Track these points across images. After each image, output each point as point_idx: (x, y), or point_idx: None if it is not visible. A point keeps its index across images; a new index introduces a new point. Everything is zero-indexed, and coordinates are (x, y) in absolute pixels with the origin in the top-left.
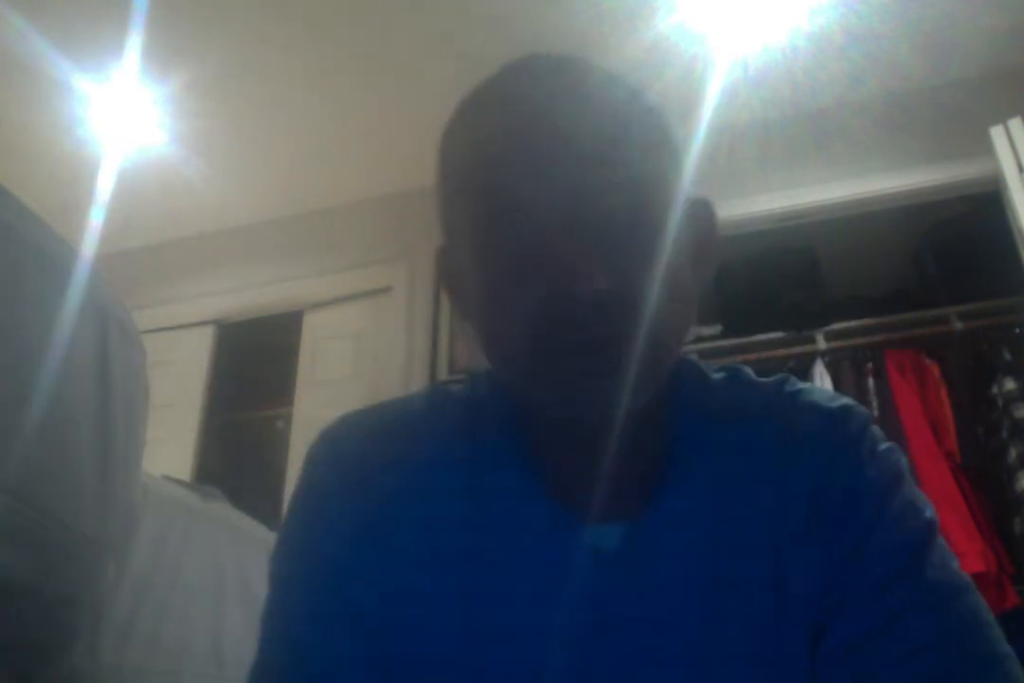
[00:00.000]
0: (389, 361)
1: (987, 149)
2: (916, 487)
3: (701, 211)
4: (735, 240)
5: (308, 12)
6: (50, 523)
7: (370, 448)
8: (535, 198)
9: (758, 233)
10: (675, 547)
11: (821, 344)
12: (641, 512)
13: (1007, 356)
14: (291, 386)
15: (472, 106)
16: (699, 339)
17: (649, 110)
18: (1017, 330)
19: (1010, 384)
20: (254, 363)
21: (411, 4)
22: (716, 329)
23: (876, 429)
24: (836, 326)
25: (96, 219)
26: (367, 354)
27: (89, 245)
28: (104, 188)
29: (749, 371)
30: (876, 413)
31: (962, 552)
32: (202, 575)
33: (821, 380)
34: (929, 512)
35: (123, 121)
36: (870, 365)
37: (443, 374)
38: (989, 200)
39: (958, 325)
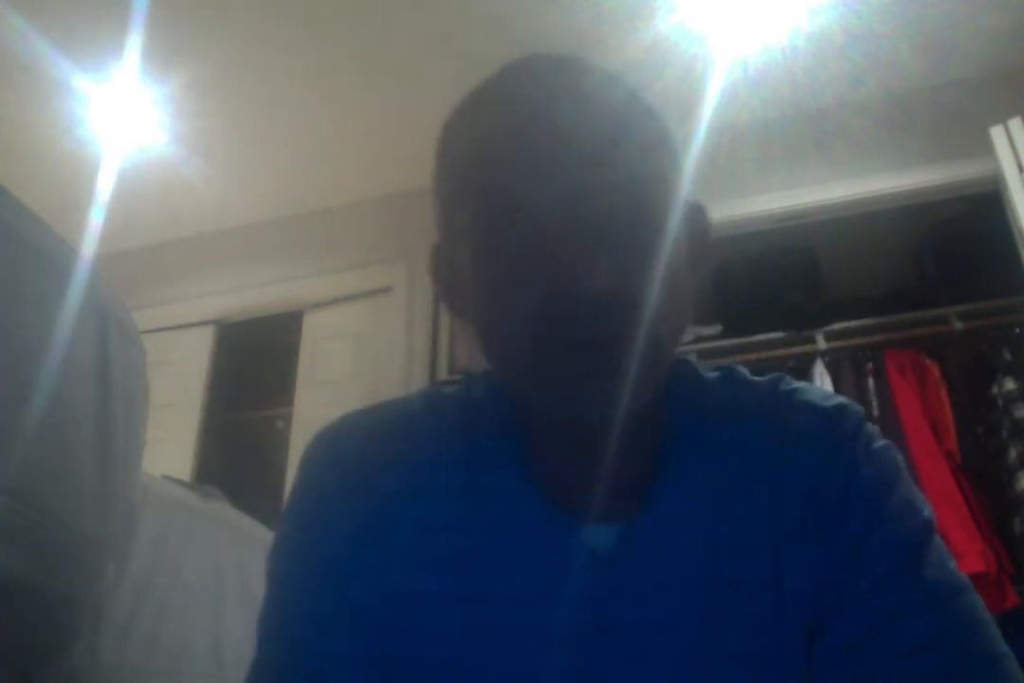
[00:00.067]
0: (389, 361)
1: (987, 149)
2: (913, 486)
3: (696, 214)
4: (735, 240)
5: (308, 12)
6: (50, 523)
7: (367, 448)
8: (535, 198)
9: (758, 233)
10: (671, 547)
11: (821, 344)
12: (636, 512)
13: (1007, 356)
14: (291, 386)
15: (472, 106)
16: (699, 339)
17: (649, 110)
18: (1017, 330)
19: (1010, 384)
20: (254, 363)
21: (411, 4)
22: (716, 329)
23: (872, 427)
24: (836, 326)
25: (96, 219)
26: (367, 354)
27: (89, 245)
28: (104, 188)
29: (744, 370)
30: (876, 413)
31: (962, 552)
32: (202, 575)
33: (821, 380)
34: (927, 511)
35: (123, 121)
36: (870, 365)
37: (443, 374)
38: (989, 200)
39: (958, 325)
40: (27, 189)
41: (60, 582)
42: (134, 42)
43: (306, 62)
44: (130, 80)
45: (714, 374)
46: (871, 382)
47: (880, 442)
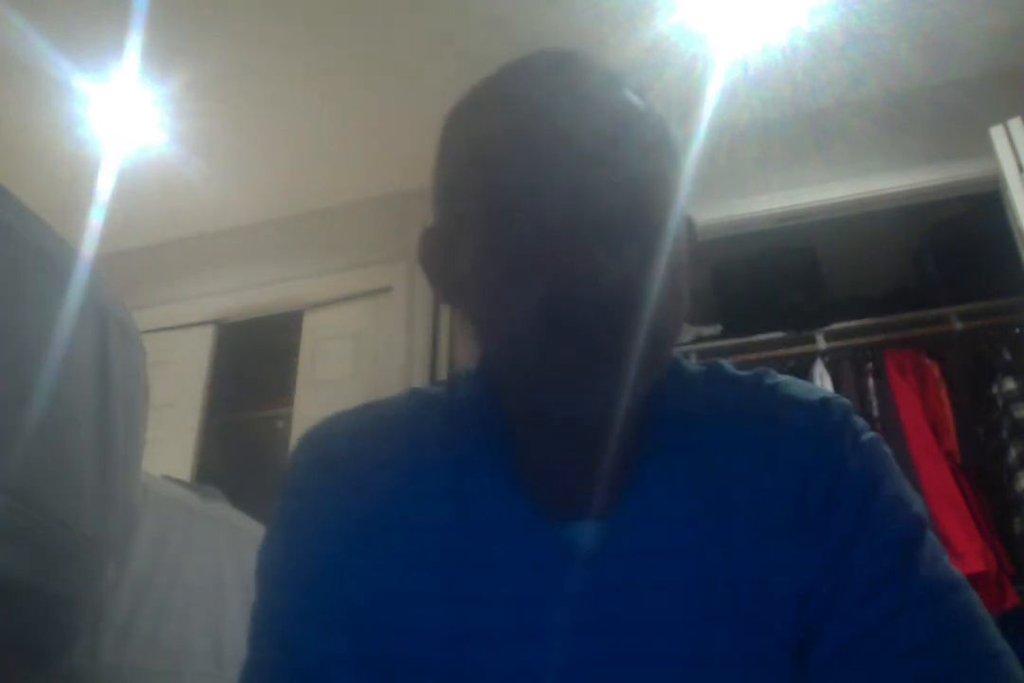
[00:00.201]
0: (389, 361)
1: (987, 149)
2: (903, 480)
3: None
4: (735, 240)
5: (308, 12)
6: (50, 523)
7: (354, 448)
8: (535, 198)
9: (758, 233)
10: (653, 545)
11: (821, 344)
12: (616, 510)
13: (1007, 356)
14: (291, 386)
15: (473, 105)
16: (699, 339)
17: (649, 109)
18: (1017, 330)
19: (1010, 384)
20: (254, 363)
21: (411, 4)
22: (716, 329)
23: (858, 420)
24: (836, 326)
25: (96, 219)
26: (367, 354)
27: (89, 245)
28: (104, 188)
29: (728, 365)
30: (876, 413)
31: (962, 552)
32: (202, 575)
33: (821, 380)
34: (917, 506)
35: (123, 121)
36: (870, 365)
37: (443, 374)
38: (989, 200)
39: (958, 325)
40: (27, 189)
41: (60, 582)
42: (134, 42)
43: (306, 62)
44: (130, 80)
45: (698, 369)
46: (871, 382)
47: (867, 435)
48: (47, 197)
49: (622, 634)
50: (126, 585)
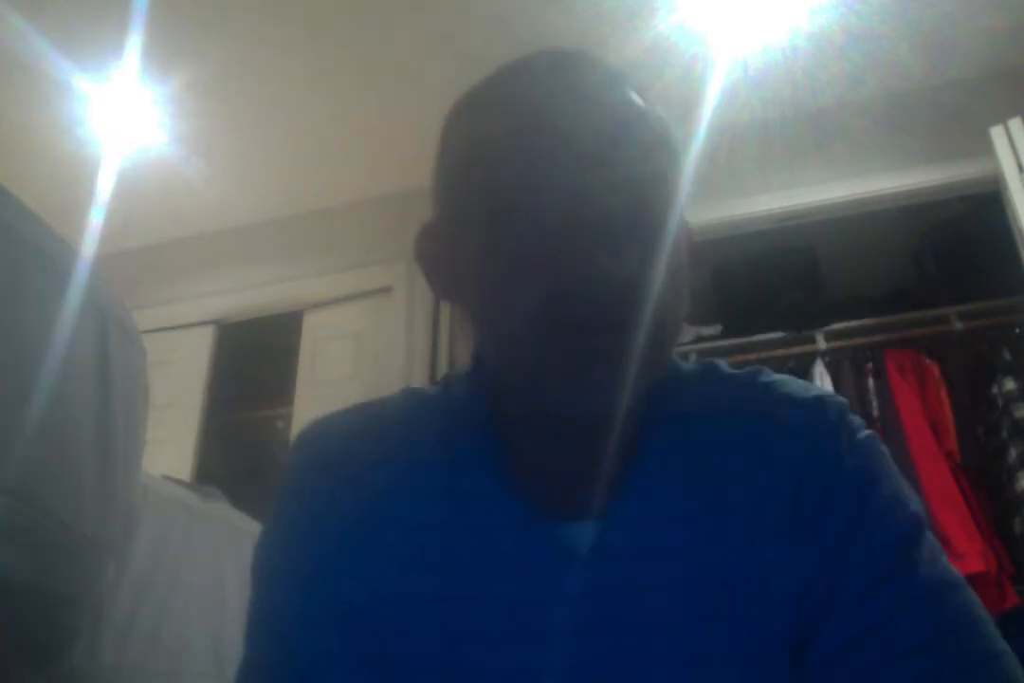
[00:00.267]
0: (389, 361)
1: (987, 149)
2: (900, 478)
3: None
4: (735, 240)
5: (308, 12)
6: (50, 523)
7: (349, 448)
8: (535, 199)
9: (758, 233)
10: (649, 545)
11: (821, 344)
12: (613, 510)
13: (1007, 356)
14: (291, 386)
15: (473, 104)
16: (699, 339)
17: (649, 109)
18: (1017, 330)
19: (1010, 384)
20: (254, 363)
21: (411, 4)
22: (716, 329)
23: (854, 418)
24: (836, 326)
25: (96, 219)
26: (367, 354)
27: (89, 245)
28: (104, 188)
29: (723, 364)
30: (876, 413)
31: (962, 552)
32: (202, 575)
33: (821, 380)
34: (915, 505)
35: (123, 121)
36: (870, 365)
37: (443, 374)
38: (989, 200)
39: (958, 325)
40: (27, 189)
41: (60, 582)
42: (134, 42)
43: (306, 62)
44: (130, 80)
45: (693, 368)
46: (871, 382)
47: (863, 433)
48: (47, 197)
49: (620, 634)
50: (126, 585)
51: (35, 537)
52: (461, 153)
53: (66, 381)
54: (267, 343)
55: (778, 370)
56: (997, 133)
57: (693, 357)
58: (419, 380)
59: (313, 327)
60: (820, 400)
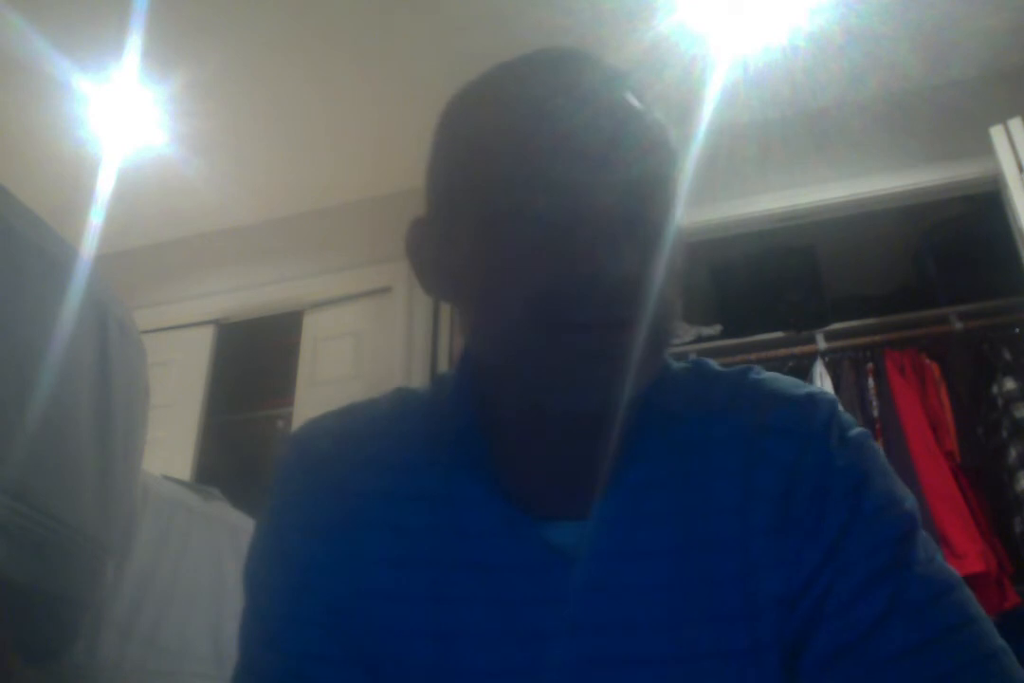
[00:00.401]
0: (389, 361)
1: (987, 149)
2: (894, 475)
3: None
4: (735, 240)
5: (308, 12)
6: (50, 523)
7: (338, 449)
8: (534, 197)
9: (758, 233)
10: (636, 546)
11: (821, 344)
12: (600, 510)
13: (1007, 356)
14: (291, 386)
15: (472, 102)
16: (699, 339)
17: (648, 108)
18: (1017, 330)
19: (1010, 384)
20: (254, 363)
21: (411, 4)
22: (716, 329)
23: (845, 416)
24: (836, 326)
25: (96, 219)
26: (367, 354)
27: (89, 245)
28: (104, 188)
29: (712, 363)
30: (876, 413)
31: (962, 552)
32: (202, 575)
33: (821, 380)
34: (909, 503)
35: (123, 121)
36: (870, 365)
37: None
38: (989, 200)
39: (958, 325)
40: (27, 189)
41: (60, 582)
42: (134, 42)
43: (306, 62)
44: (130, 80)
45: (682, 367)
46: (871, 382)
47: (855, 430)
48: (47, 197)
49: (607, 634)
50: (126, 585)
51: (35, 537)
52: (458, 150)
53: (66, 381)
54: (267, 343)
55: (778, 370)
56: (997, 133)
57: (693, 357)
58: (419, 380)
59: (313, 327)
60: (810, 397)
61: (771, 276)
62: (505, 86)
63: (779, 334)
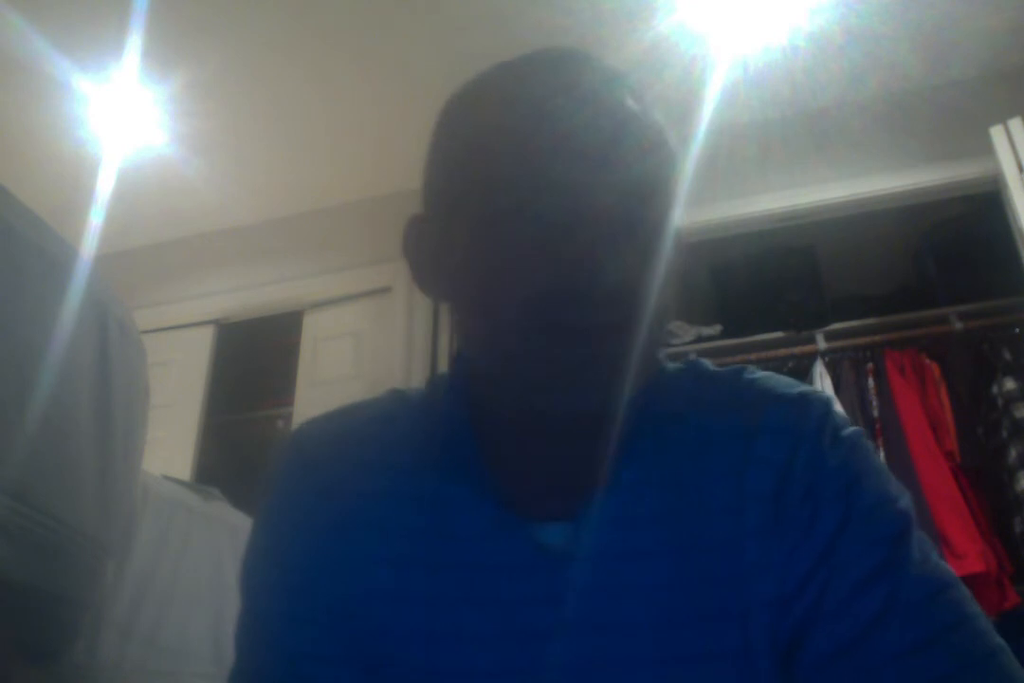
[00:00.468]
0: (389, 361)
1: (987, 149)
2: (888, 474)
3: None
4: (735, 240)
5: (308, 12)
6: (50, 523)
7: (333, 451)
8: (532, 197)
9: (758, 233)
10: (628, 546)
11: (821, 344)
12: (592, 511)
13: (1007, 356)
14: (291, 386)
15: (471, 102)
16: (699, 339)
17: (648, 109)
18: (1017, 330)
19: (1010, 384)
20: (254, 363)
21: (411, 4)
22: (716, 329)
23: (838, 415)
24: (836, 326)
25: (96, 219)
26: (367, 354)
27: (89, 245)
28: (104, 188)
29: (706, 362)
30: (876, 413)
31: (962, 553)
32: (202, 575)
33: (821, 380)
34: (903, 501)
35: (123, 121)
36: (870, 365)
37: None
38: (989, 200)
39: (958, 325)
40: (27, 189)
41: (60, 582)
42: (134, 42)
43: (306, 62)
44: (130, 80)
45: (676, 367)
46: (871, 382)
47: (848, 429)
48: (47, 197)
49: (601, 634)
50: (126, 585)
51: (35, 537)
52: (457, 149)
53: (66, 381)
54: (267, 343)
55: (778, 370)
56: (997, 133)
57: (692, 357)
58: (419, 380)
59: (313, 327)
60: (803, 397)
61: (771, 276)
62: (505, 86)
63: (779, 334)
